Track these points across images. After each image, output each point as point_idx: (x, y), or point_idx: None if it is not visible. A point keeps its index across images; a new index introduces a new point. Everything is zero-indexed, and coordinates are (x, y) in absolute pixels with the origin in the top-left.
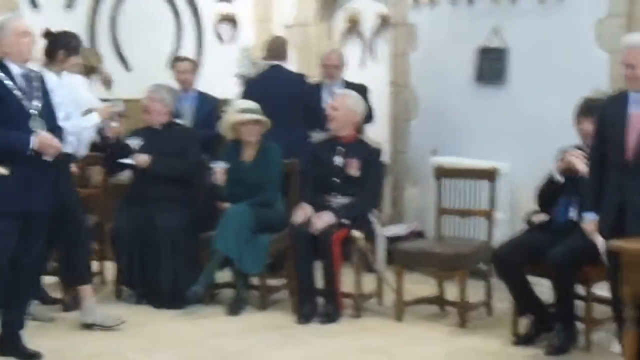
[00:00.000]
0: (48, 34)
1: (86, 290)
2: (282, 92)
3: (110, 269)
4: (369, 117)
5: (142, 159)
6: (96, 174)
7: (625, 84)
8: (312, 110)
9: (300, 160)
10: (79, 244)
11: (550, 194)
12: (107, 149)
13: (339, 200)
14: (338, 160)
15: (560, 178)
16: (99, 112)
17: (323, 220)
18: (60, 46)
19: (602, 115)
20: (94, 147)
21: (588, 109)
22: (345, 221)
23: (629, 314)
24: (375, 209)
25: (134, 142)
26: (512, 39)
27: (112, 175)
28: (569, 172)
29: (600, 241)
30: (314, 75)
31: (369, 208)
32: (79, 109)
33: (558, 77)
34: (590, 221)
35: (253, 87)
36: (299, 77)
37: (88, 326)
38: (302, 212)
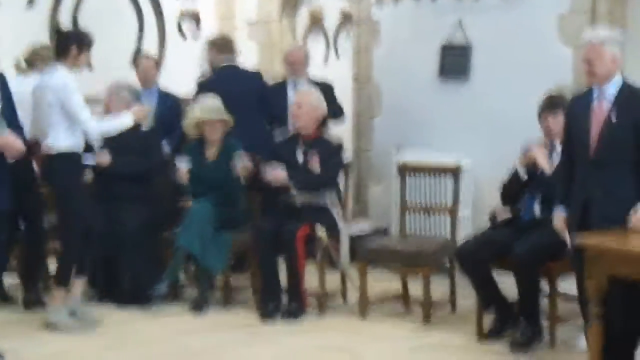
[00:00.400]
0: (59, 32)
1: (59, 291)
2: (239, 90)
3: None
4: (339, 114)
5: (103, 158)
6: None
7: (586, 80)
8: (273, 107)
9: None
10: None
11: (513, 190)
12: None
13: (303, 197)
14: (300, 157)
15: (523, 174)
16: (134, 113)
17: (275, 174)
18: (72, 42)
19: (569, 111)
20: None
21: (551, 104)
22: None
23: (593, 310)
24: (328, 191)
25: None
26: (475, 35)
27: None
28: (533, 168)
29: (569, 237)
30: (277, 72)
31: (323, 185)
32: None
33: (521, 72)
34: (559, 218)
35: (208, 86)
36: (255, 74)
37: (51, 325)
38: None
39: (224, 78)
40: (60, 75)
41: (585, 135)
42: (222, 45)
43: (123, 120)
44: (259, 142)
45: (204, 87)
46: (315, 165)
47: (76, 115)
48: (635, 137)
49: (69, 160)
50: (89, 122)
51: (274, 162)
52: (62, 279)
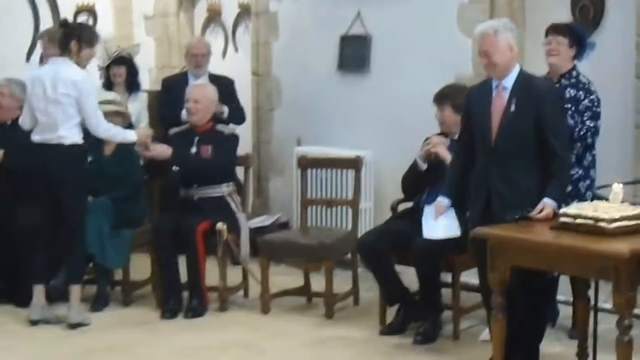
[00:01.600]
0: (63, 24)
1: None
2: None
3: None
4: (239, 120)
5: None
6: None
7: (487, 72)
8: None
9: None
10: None
11: (414, 182)
12: None
13: (200, 191)
14: (194, 150)
15: (422, 166)
16: (138, 134)
17: (159, 150)
18: (72, 37)
19: (468, 102)
20: None
21: (442, 96)
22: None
23: (496, 301)
24: (225, 184)
25: None
26: (374, 26)
27: None
28: (434, 160)
29: (425, 231)
30: (174, 66)
31: (212, 172)
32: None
33: (421, 63)
34: (440, 203)
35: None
36: None
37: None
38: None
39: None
40: (77, 71)
41: (486, 125)
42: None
43: (127, 135)
44: None
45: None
46: (207, 156)
47: (93, 112)
48: (535, 127)
49: (80, 154)
50: (103, 123)
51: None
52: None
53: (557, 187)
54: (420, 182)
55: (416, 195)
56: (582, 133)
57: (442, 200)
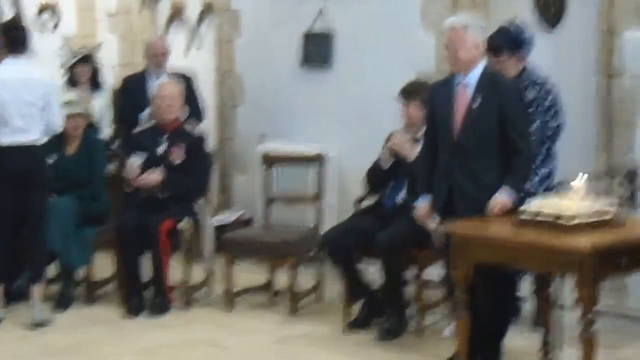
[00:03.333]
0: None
1: None
2: None
3: None
4: (200, 116)
5: None
6: None
7: (450, 66)
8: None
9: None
10: None
11: (377, 178)
12: None
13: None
14: (161, 149)
15: (385, 162)
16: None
17: (151, 178)
18: (25, 35)
19: (431, 98)
20: None
21: (409, 91)
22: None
23: (460, 298)
24: (202, 197)
25: None
26: (337, 22)
27: None
28: (398, 156)
29: (432, 226)
30: (138, 63)
31: (196, 196)
32: None
33: (384, 59)
34: (421, 207)
35: None
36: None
37: None
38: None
39: None
40: (41, 71)
41: (449, 121)
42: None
43: None
44: None
45: None
46: (176, 156)
47: (57, 112)
48: (499, 123)
49: (45, 153)
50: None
51: (136, 155)
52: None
53: (514, 179)
54: (384, 178)
55: (380, 189)
56: (549, 133)
57: (423, 204)
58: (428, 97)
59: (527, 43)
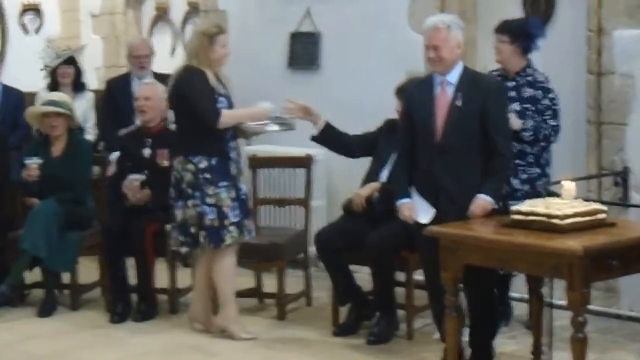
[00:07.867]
0: None
1: None
2: None
3: None
4: None
5: None
6: None
7: (430, 65)
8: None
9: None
10: None
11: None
12: None
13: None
14: (147, 152)
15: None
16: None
17: (145, 193)
18: None
19: (409, 98)
20: None
21: (402, 90)
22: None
23: (449, 300)
24: None
25: None
26: (324, 23)
27: None
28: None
29: (420, 217)
30: (122, 65)
31: None
32: None
33: (372, 60)
34: (404, 206)
35: None
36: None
37: None
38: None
39: None
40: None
41: (431, 121)
42: None
43: None
44: None
45: None
46: (164, 160)
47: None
48: (481, 122)
49: None
50: None
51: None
52: None
53: (494, 183)
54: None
55: None
56: (546, 133)
57: (405, 203)
58: (406, 97)
59: (531, 38)
